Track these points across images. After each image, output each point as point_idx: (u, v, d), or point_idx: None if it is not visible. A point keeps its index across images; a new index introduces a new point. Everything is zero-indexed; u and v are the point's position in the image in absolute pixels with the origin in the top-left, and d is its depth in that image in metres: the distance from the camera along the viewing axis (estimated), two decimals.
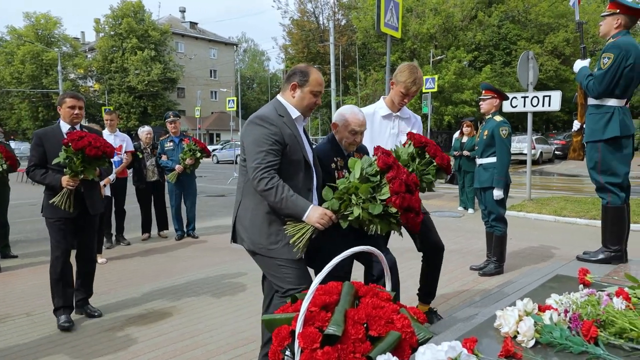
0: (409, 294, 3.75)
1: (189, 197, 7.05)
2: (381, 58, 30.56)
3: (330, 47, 26.03)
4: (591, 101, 3.47)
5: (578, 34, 4.10)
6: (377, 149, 2.35)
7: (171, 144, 6.82)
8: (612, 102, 3.36)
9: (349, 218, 2.20)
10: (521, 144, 19.78)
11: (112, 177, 5.71)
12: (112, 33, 43.73)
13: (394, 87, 3.23)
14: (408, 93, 3.16)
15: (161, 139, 6.98)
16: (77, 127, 3.72)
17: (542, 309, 1.73)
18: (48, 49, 41.61)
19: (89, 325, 3.70)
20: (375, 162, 2.20)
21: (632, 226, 6.81)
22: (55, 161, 3.46)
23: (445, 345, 1.35)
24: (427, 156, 2.60)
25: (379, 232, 2.21)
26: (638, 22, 3.48)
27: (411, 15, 29.36)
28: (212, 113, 50.71)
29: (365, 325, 1.47)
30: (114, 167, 5.61)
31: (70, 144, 3.37)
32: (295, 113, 2.46)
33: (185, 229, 7.07)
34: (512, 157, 21.05)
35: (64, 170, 3.47)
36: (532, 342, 1.58)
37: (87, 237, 3.83)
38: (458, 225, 7.61)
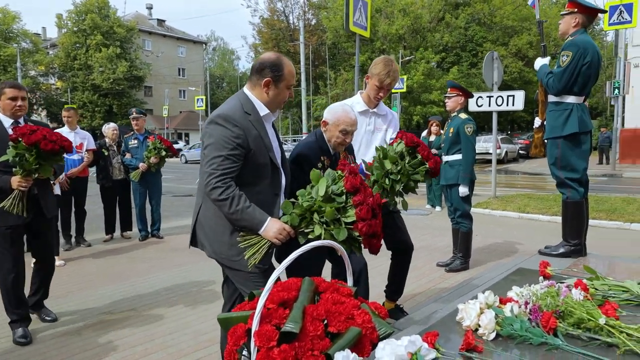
0: (377, 291, 3.73)
1: (154, 196, 6.86)
2: (351, 58, 30.70)
3: (300, 47, 25.98)
4: (551, 98, 3.54)
5: (540, 37, 4.18)
6: (344, 164, 2.20)
7: (135, 141, 6.62)
8: (570, 99, 3.43)
9: (309, 236, 2.07)
10: (487, 144, 20.26)
11: (61, 176, 5.41)
12: (75, 29, 42.35)
13: (369, 81, 3.14)
14: (382, 86, 3.07)
15: (125, 136, 6.76)
16: (21, 121, 3.34)
17: (504, 301, 1.73)
18: (6, 44, 39.92)
19: (42, 331, 3.52)
20: (342, 181, 2.06)
21: (590, 221, 7.07)
22: (2, 159, 3.04)
23: (405, 340, 1.31)
24: (419, 157, 2.53)
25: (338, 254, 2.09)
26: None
27: (380, 16, 29.63)
28: (181, 112, 49.85)
29: (324, 322, 1.43)
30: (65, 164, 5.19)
31: (20, 139, 2.98)
32: (264, 110, 2.24)
33: (149, 230, 6.88)
34: (478, 156, 21.66)
35: (14, 170, 3.08)
36: (493, 335, 1.57)
37: (44, 241, 3.51)
38: (426, 223, 7.68)
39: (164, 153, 6.55)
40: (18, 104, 3.28)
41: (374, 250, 2.09)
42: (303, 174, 2.49)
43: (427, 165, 2.51)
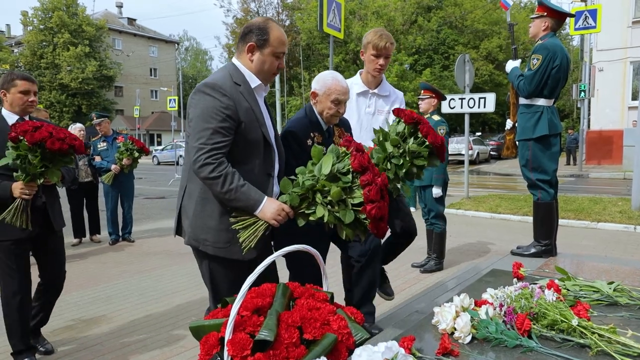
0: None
1: (127, 199, 6.68)
2: (325, 59, 30.78)
3: None
4: (522, 101, 3.60)
5: (510, 40, 4.24)
6: (349, 140, 2.01)
7: (104, 144, 6.43)
8: (541, 101, 3.49)
9: (310, 218, 1.91)
10: (459, 145, 20.67)
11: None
12: (41, 27, 41.04)
13: (365, 56, 2.90)
14: (380, 52, 2.81)
15: (93, 139, 6.56)
16: (27, 117, 2.85)
17: (479, 303, 1.73)
18: None
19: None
20: (348, 158, 1.89)
21: (560, 221, 7.24)
22: (1, 163, 2.54)
23: (382, 346, 1.29)
24: (420, 136, 2.24)
25: (342, 237, 1.93)
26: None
27: (354, 18, 29.79)
28: (153, 113, 48.91)
29: (300, 329, 1.40)
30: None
31: (22, 138, 2.49)
32: (255, 81, 2.03)
33: (120, 233, 6.70)
34: (451, 158, 21.91)
35: (15, 174, 2.58)
36: (469, 338, 1.57)
37: (52, 259, 2.96)
38: None
39: (136, 154, 6.39)
40: (30, 98, 2.82)
41: (381, 234, 1.93)
42: (292, 153, 2.33)
43: (427, 142, 2.23)
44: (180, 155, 22.36)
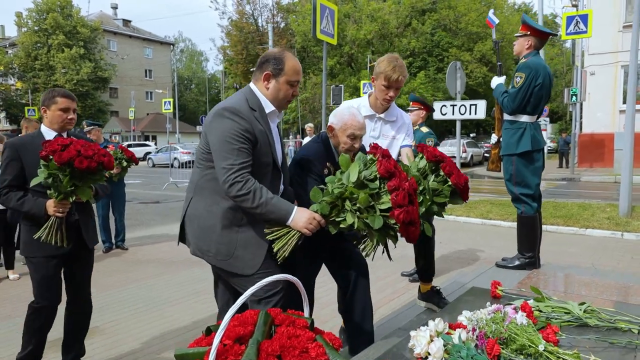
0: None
1: (118, 206, 6.73)
2: (320, 62, 30.84)
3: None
4: (506, 117, 3.70)
5: (496, 56, 4.33)
6: (375, 147, 2.05)
7: None
8: (524, 118, 3.59)
9: (341, 225, 1.96)
10: (453, 148, 20.78)
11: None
12: (36, 28, 41.01)
13: (375, 83, 2.90)
14: (390, 84, 2.81)
15: None
16: (64, 134, 2.84)
17: (454, 326, 1.81)
18: None
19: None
20: (375, 165, 1.93)
21: (548, 227, 7.34)
22: (34, 182, 2.54)
23: None
24: (442, 174, 2.25)
25: (373, 245, 1.99)
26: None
27: (349, 21, 29.91)
28: (148, 114, 48.91)
29: (279, 357, 1.47)
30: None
31: (51, 157, 2.47)
32: (269, 107, 2.16)
33: (114, 240, 6.75)
34: None
35: (48, 192, 2.55)
36: None
37: (83, 279, 2.93)
38: None
39: (125, 164, 6.43)
40: (69, 116, 2.82)
41: (412, 239, 1.96)
42: (306, 178, 2.41)
43: (451, 183, 2.21)
44: (175, 158, 22.36)
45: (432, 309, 3.26)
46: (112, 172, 6.25)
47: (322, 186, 2.03)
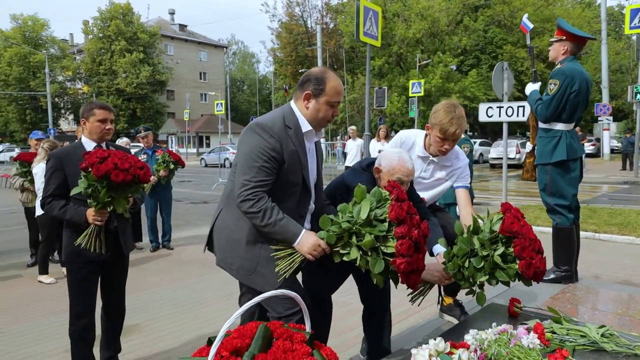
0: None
1: (165, 208, 7.08)
2: None
3: (317, 51, 26.12)
4: (540, 125, 3.56)
5: (531, 62, 4.17)
6: (392, 186, 1.96)
7: (145, 156, 6.84)
8: (559, 126, 3.45)
9: (344, 258, 1.98)
10: (510, 148, 20.07)
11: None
12: (100, 35, 43.67)
13: (430, 132, 2.72)
14: (446, 137, 2.60)
15: (134, 152, 7.00)
16: (104, 145, 2.99)
17: (458, 346, 1.79)
18: (35, 51, 41.33)
19: (42, 345, 3.71)
20: (387, 206, 1.89)
21: (602, 236, 6.96)
22: (74, 191, 2.68)
23: None
24: (510, 250, 2.00)
25: (373, 282, 1.97)
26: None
27: (398, 20, 29.54)
28: (202, 115, 50.64)
29: None
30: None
31: (90, 169, 2.60)
32: (306, 126, 2.15)
33: (160, 240, 7.10)
34: (495, 162, 21.34)
35: (88, 201, 2.68)
36: None
37: (118, 283, 3.06)
38: None
39: (172, 166, 6.78)
40: (107, 127, 2.94)
41: (412, 287, 1.95)
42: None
43: (517, 267, 1.97)
44: (226, 158, 23.05)
45: (453, 323, 3.20)
46: (160, 174, 6.63)
47: (332, 216, 2.03)
